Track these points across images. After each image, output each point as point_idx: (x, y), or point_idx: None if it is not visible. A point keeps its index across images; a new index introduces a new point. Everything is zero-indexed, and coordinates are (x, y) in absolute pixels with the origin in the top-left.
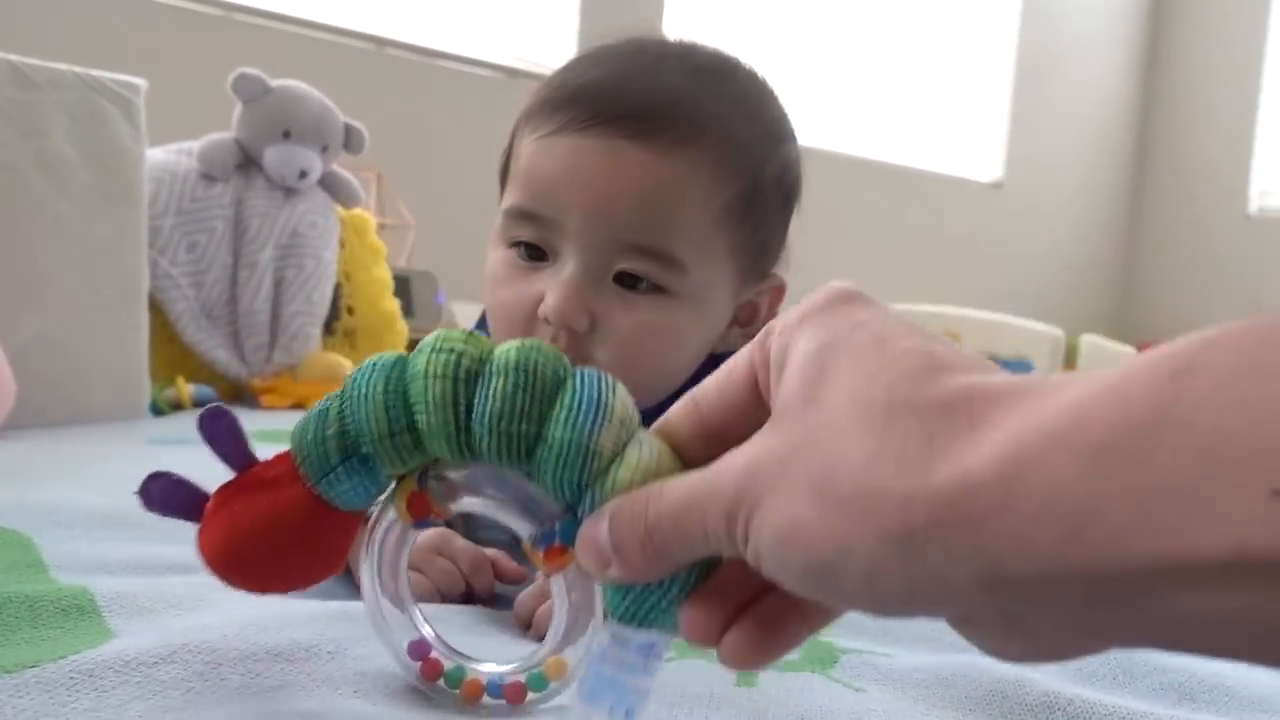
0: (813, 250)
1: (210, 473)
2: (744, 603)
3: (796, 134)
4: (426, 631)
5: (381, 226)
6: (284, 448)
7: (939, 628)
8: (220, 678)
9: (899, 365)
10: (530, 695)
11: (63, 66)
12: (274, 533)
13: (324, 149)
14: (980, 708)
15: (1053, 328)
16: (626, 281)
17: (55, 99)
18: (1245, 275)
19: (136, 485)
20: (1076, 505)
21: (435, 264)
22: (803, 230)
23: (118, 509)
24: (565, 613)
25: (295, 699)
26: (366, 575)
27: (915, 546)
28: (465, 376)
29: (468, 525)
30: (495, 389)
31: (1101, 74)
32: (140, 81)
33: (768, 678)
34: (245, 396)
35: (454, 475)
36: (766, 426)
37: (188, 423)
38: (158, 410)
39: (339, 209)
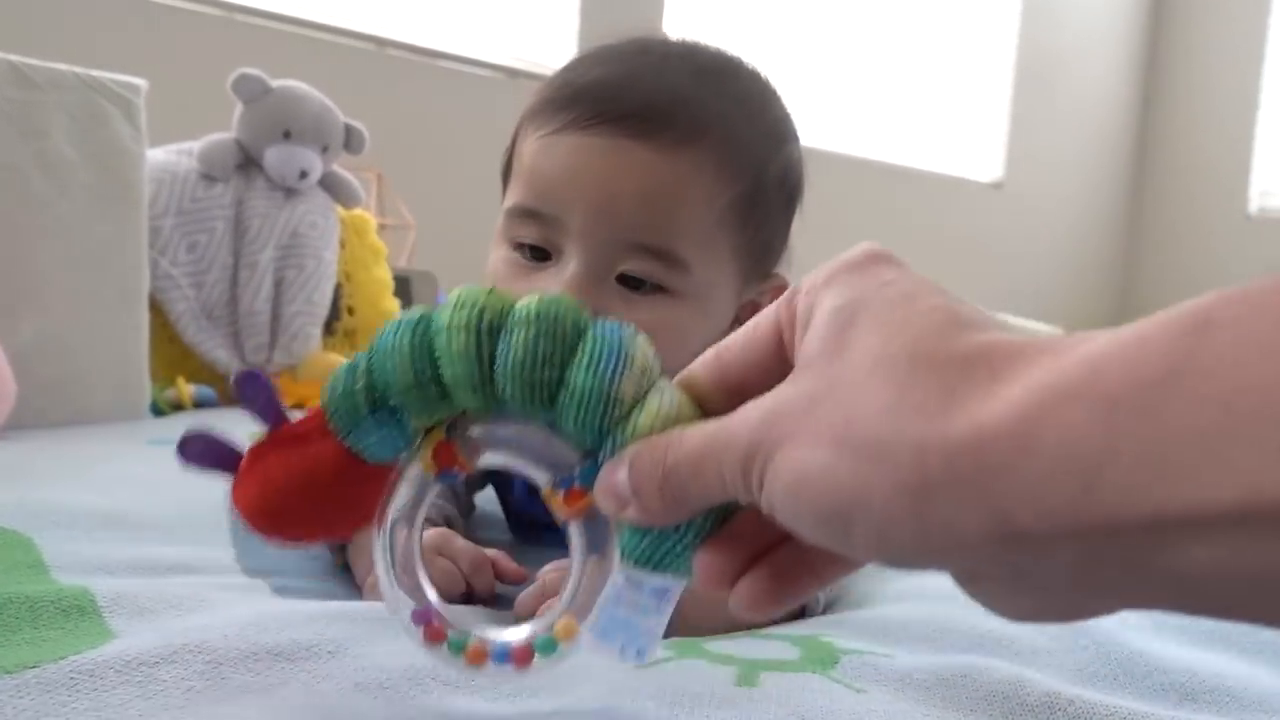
0: (813, 250)
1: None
2: (758, 551)
3: (798, 134)
4: (432, 596)
5: (382, 227)
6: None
7: (939, 628)
8: (221, 678)
9: (923, 321)
10: (538, 659)
11: (63, 67)
12: (306, 486)
13: (324, 149)
14: (981, 708)
15: (1053, 328)
16: (630, 283)
17: (55, 99)
18: (1245, 275)
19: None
20: (1090, 457)
21: (435, 264)
22: (803, 230)
23: (118, 509)
24: (579, 568)
25: (296, 699)
26: (378, 547)
27: (929, 496)
28: (488, 329)
29: (468, 525)
30: (517, 339)
31: (1102, 74)
32: (140, 82)
33: (768, 678)
34: None
35: (478, 430)
36: (788, 378)
37: (188, 423)
38: (158, 410)
39: (339, 209)
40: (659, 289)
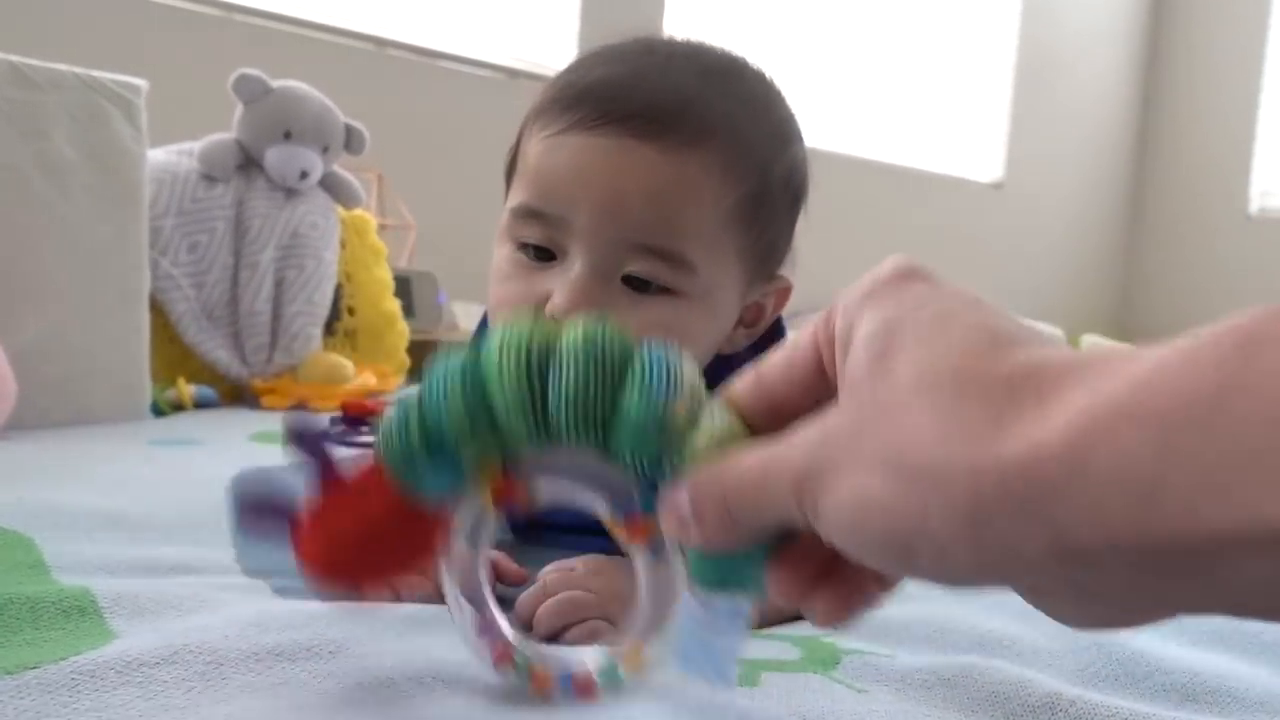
0: (813, 250)
1: (213, 474)
2: (827, 561)
3: (803, 135)
4: (501, 620)
5: (382, 227)
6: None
7: (940, 628)
8: (222, 678)
9: (964, 341)
10: (602, 690)
11: (63, 67)
12: (370, 537)
13: (325, 150)
14: (982, 708)
15: (1053, 328)
16: (635, 284)
17: (56, 99)
18: (1246, 275)
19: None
20: (1145, 475)
21: (436, 264)
22: (803, 230)
23: (119, 509)
24: (648, 596)
25: (297, 699)
26: (445, 565)
27: (986, 519)
28: (538, 364)
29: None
30: (568, 371)
31: (1102, 74)
32: (141, 82)
33: (769, 678)
34: (246, 397)
35: (533, 462)
36: (836, 403)
37: (189, 423)
38: (159, 411)
39: (340, 210)
40: (664, 290)
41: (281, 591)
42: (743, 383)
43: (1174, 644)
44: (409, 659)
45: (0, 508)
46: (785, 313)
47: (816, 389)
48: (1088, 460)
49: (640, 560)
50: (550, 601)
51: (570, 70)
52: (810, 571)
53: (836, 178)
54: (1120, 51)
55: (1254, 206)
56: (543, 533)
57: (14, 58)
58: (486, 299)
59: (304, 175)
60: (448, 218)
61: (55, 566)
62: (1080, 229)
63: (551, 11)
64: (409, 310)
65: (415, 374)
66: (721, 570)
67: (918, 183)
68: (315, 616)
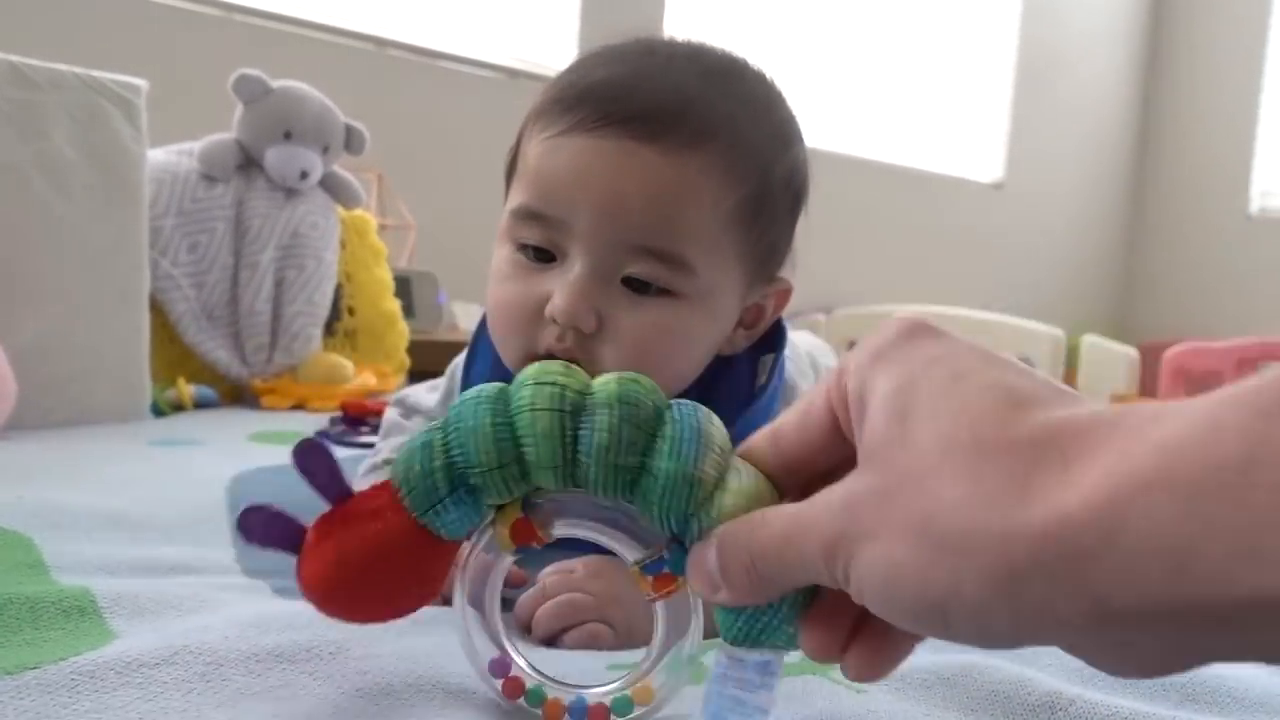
0: (813, 250)
1: (213, 474)
2: (858, 616)
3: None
4: (510, 650)
5: (382, 227)
6: (282, 448)
7: None
8: (222, 679)
9: (980, 403)
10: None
11: (63, 67)
12: (378, 563)
13: (325, 150)
14: (983, 708)
15: (1053, 328)
16: (635, 286)
17: (56, 99)
18: (1246, 276)
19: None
20: (1178, 541)
21: (436, 264)
22: (803, 230)
23: (119, 509)
24: (661, 636)
25: (297, 700)
26: (458, 595)
27: (1019, 584)
28: (570, 409)
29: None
30: (601, 422)
31: (1102, 74)
32: (141, 82)
33: None
34: (246, 397)
35: (552, 505)
36: (857, 467)
37: (188, 423)
38: (159, 411)
39: (340, 210)
40: (664, 292)
41: (282, 592)
42: (759, 441)
43: None
44: (409, 661)
45: (0, 508)
46: (786, 313)
47: (832, 448)
48: (1120, 528)
49: (660, 613)
50: (549, 604)
51: (570, 71)
52: (842, 627)
53: (836, 178)
54: (1120, 52)
55: (1254, 206)
56: None
57: (14, 58)
58: (486, 299)
59: (304, 175)
60: (448, 218)
61: (55, 566)
62: (1080, 229)
63: (551, 11)
64: (409, 310)
65: (415, 374)
66: (749, 626)
67: (918, 183)
68: (315, 617)
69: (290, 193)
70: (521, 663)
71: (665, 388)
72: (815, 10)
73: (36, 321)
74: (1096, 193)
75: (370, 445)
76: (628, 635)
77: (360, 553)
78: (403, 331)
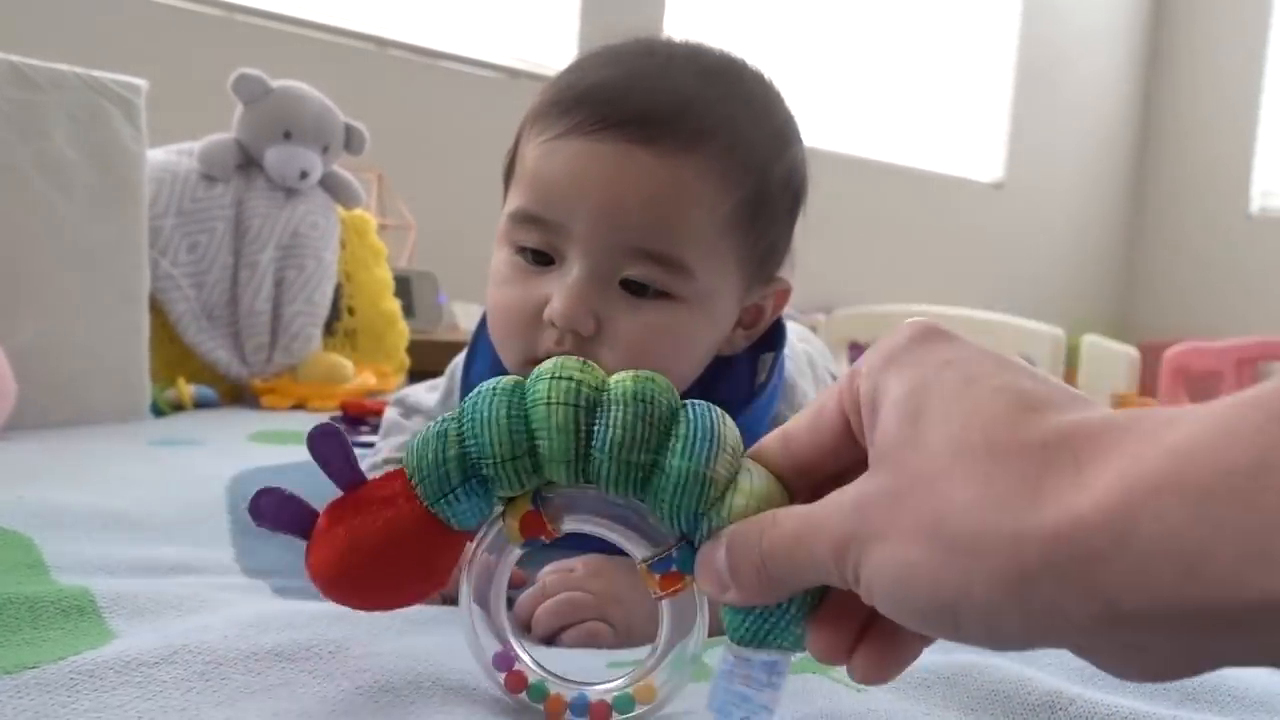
0: (813, 250)
1: (213, 474)
2: (866, 618)
3: (802, 136)
4: (515, 645)
5: (382, 227)
6: (282, 448)
7: None
8: (221, 678)
9: (992, 406)
10: (615, 717)
11: (63, 67)
12: (388, 550)
13: (325, 149)
14: (983, 707)
15: (1053, 328)
16: (633, 288)
17: (56, 99)
18: (1246, 275)
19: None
20: (1190, 545)
21: (436, 264)
22: (803, 230)
23: (118, 509)
24: (665, 634)
25: (296, 699)
26: (464, 591)
27: (1030, 587)
28: (586, 404)
29: None
30: (615, 418)
31: (1102, 74)
32: (141, 82)
33: None
34: (246, 397)
35: (562, 499)
36: (869, 469)
37: (188, 423)
38: (158, 411)
39: (340, 209)
40: (662, 294)
41: (281, 592)
42: (770, 442)
43: None
44: (409, 660)
45: (0, 507)
46: (786, 312)
47: (843, 451)
48: (1131, 531)
49: (665, 610)
50: (549, 602)
51: (568, 72)
52: (850, 629)
53: (836, 178)
54: (1121, 51)
55: (1255, 206)
56: None
57: (14, 58)
58: (486, 302)
59: (304, 175)
60: (448, 218)
61: (54, 566)
62: (1081, 228)
63: (551, 11)
64: (409, 310)
65: (415, 374)
66: (757, 626)
67: (918, 183)
68: (315, 617)
69: (290, 192)
70: (525, 658)
71: None
72: (815, 10)
73: (36, 321)
74: (1097, 192)
75: (370, 445)
76: (627, 634)
77: (370, 539)
78: (402, 331)
